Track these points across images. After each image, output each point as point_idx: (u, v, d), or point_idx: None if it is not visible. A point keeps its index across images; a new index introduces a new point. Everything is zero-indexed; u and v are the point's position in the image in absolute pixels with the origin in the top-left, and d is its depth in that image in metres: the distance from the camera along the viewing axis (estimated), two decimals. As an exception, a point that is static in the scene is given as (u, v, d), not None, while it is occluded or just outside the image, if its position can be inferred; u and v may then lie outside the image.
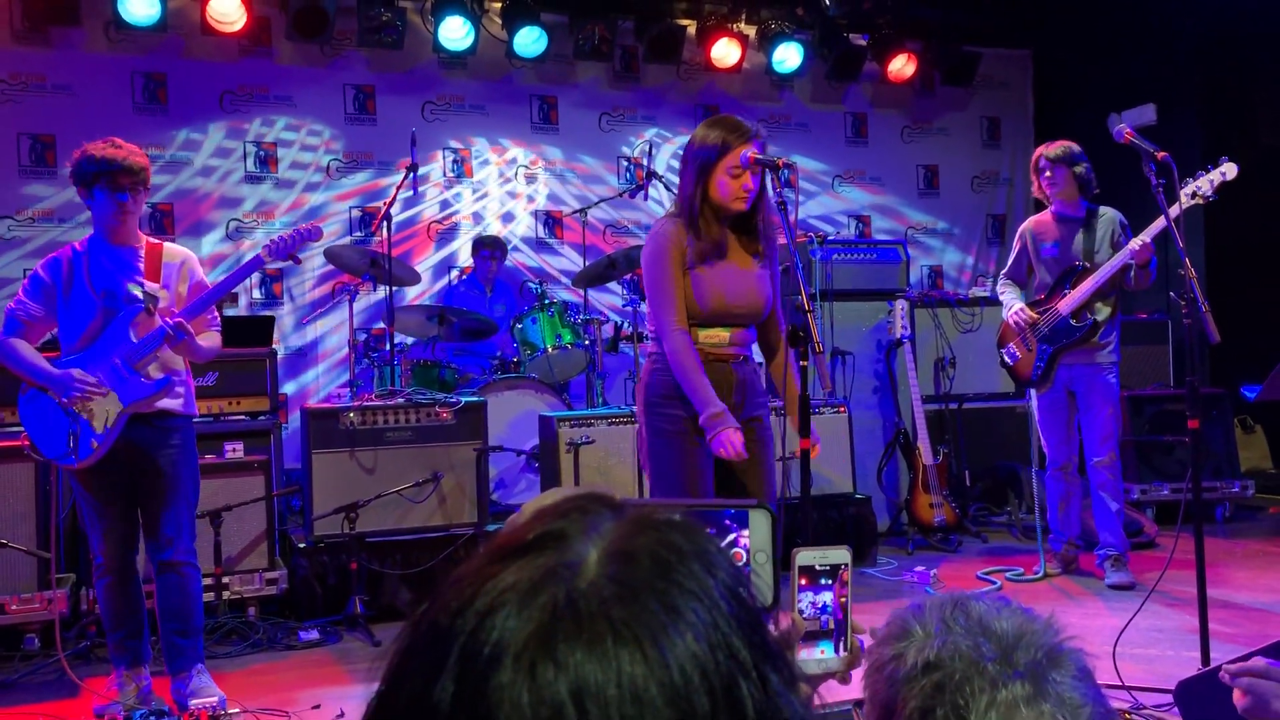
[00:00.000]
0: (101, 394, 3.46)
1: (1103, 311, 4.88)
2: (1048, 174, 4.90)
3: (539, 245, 7.40)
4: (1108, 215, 4.97)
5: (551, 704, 0.53)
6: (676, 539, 0.61)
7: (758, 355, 3.55)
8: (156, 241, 3.68)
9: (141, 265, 3.58)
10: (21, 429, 4.53)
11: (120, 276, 3.55)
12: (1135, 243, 4.61)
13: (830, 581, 1.29)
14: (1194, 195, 4.25)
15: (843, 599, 1.29)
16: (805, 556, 1.29)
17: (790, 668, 0.62)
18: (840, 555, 1.31)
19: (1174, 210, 3.89)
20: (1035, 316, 4.95)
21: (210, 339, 3.63)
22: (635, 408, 3.49)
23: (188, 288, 3.66)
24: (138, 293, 3.51)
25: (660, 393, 3.26)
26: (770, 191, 3.22)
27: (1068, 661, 0.94)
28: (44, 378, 3.49)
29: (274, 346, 5.22)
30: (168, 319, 3.46)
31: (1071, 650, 0.95)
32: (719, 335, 3.26)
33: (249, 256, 6.53)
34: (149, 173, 3.58)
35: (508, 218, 7.33)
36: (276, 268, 6.72)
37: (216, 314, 3.72)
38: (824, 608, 1.29)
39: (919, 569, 5.19)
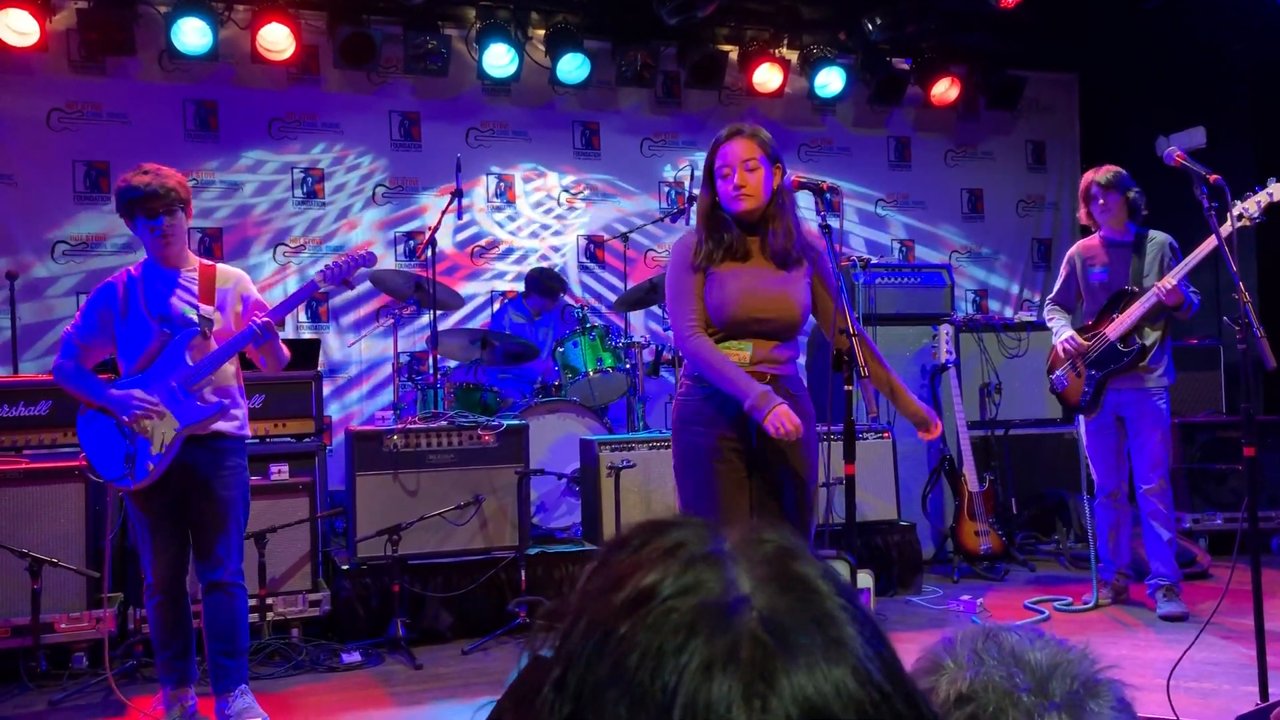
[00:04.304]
0: (159, 413, 3.50)
1: (1150, 336, 4.80)
2: (1100, 201, 4.84)
3: (581, 269, 7.43)
4: (1158, 239, 4.90)
5: None
6: (799, 566, 0.62)
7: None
8: (210, 263, 3.72)
9: (195, 288, 3.62)
10: (72, 451, 4.64)
11: (174, 300, 3.59)
12: (1167, 282, 4.57)
13: None
14: (1240, 217, 4.19)
15: None
16: None
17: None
18: (861, 580, 1.28)
19: (1226, 228, 3.82)
20: (1086, 344, 4.88)
21: (283, 348, 3.71)
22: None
23: (244, 308, 3.70)
24: (193, 316, 3.56)
25: (683, 417, 3.20)
26: (813, 213, 3.20)
27: (1106, 692, 0.91)
28: (103, 398, 3.54)
29: (319, 369, 5.28)
30: (257, 318, 3.52)
31: (1109, 680, 0.92)
32: (740, 353, 3.12)
33: (297, 282, 6.70)
34: (183, 192, 3.57)
35: (550, 242, 7.36)
36: (324, 291, 6.79)
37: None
38: None
39: (965, 598, 5.11)
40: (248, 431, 3.75)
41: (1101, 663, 0.94)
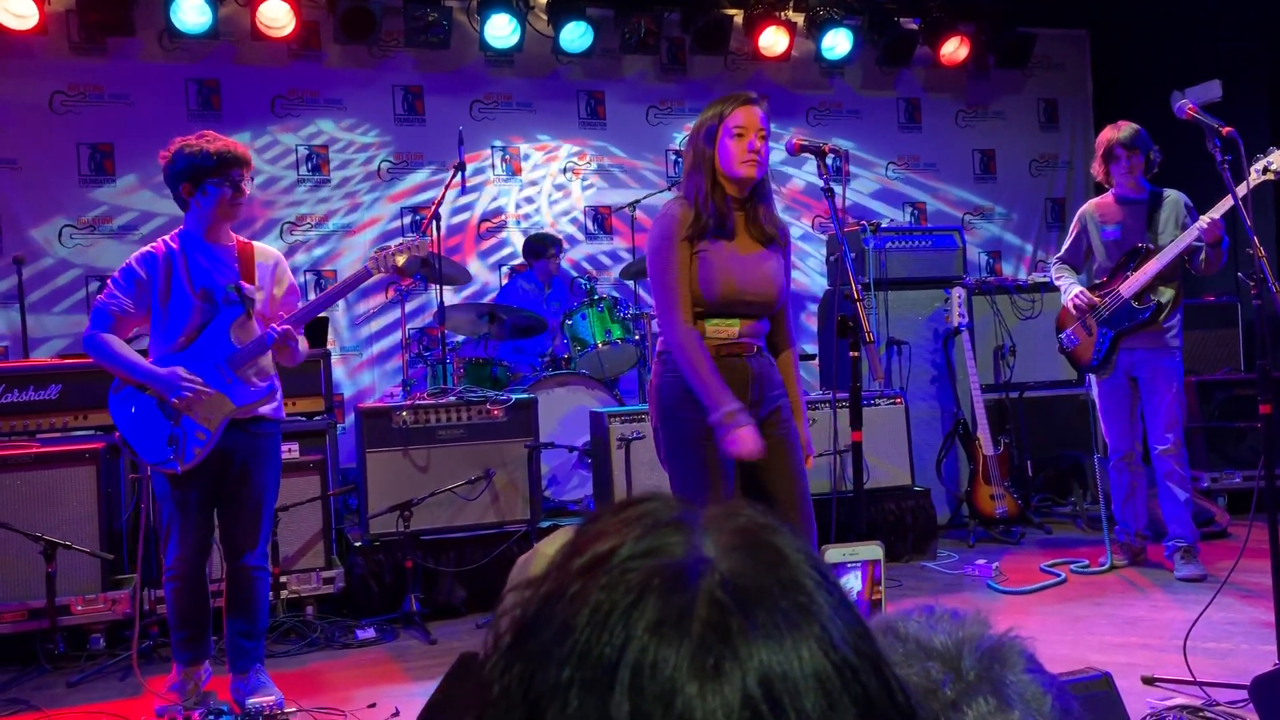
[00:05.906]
0: (207, 394, 3.42)
1: (1165, 294, 4.73)
2: (1125, 162, 4.75)
3: (589, 240, 7.39)
4: (1172, 197, 4.82)
5: (744, 699, 0.51)
6: (770, 536, 0.60)
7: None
8: (246, 241, 3.64)
9: (237, 265, 3.54)
10: (84, 434, 4.65)
11: (218, 277, 3.51)
12: (1205, 219, 4.45)
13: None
14: (1265, 171, 4.10)
15: (877, 597, 1.24)
16: (834, 554, 1.24)
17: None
18: (871, 551, 1.26)
19: (1242, 189, 3.74)
20: (1097, 300, 4.82)
21: (302, 344, 3.62)
22: (649, 411, 3.25)
23: (283, 290, 3.65)
24: (236, 294, 3.49)
25: (673, 401, 3.08)
26: (818, 178, 3.14)
27: (1013, 656, 0.88)
28: (146, 375, 3.41)
29: (329, 347, 5.26)
30: (276, 325, 3.46)
31: (1010, 641, 0.90)
32: (729, 329, 3.07)
33: (305, 260, 6.69)
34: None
35: (557, 214, 7.32)
36: (331, 269, 6.79)
37: None
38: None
39: (980, 562, 5.09)
40: (283, 413, 3.71)
41: (995, 623, 0.91)
